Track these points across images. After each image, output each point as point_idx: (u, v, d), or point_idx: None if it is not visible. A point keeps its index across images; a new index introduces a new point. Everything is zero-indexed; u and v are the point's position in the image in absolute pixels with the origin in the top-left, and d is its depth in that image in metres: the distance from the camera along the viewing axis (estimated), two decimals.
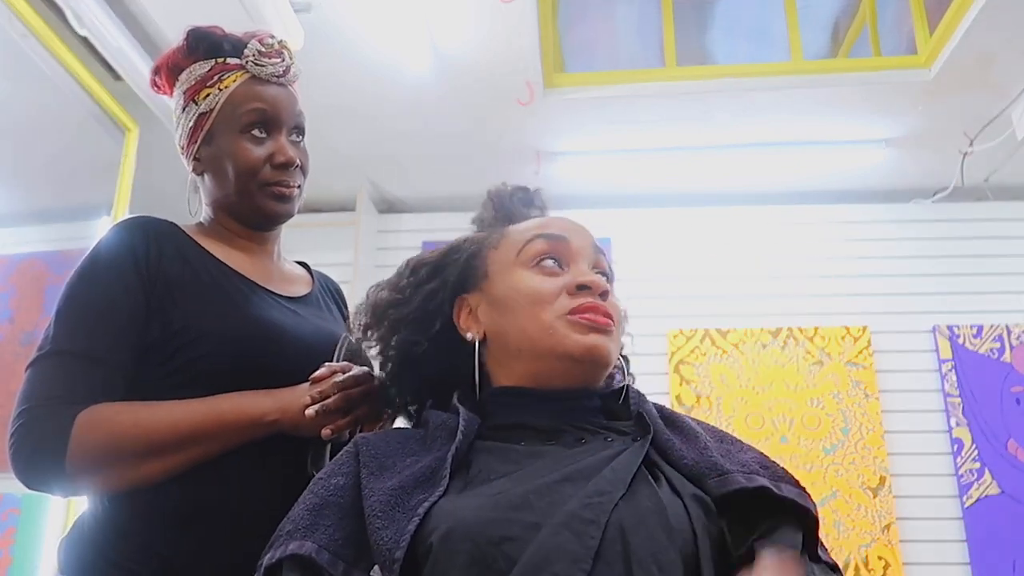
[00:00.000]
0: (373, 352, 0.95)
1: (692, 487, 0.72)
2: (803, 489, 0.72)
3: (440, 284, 0.91)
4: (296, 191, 1.08)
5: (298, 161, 1.07)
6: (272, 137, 1.06)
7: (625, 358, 0.95)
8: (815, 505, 0.72)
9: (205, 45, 1.06)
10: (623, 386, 0.88)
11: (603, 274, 0.88)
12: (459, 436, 0.77)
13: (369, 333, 0.94)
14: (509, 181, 1.02)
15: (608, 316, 0.83)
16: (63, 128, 2.37)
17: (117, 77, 2.39)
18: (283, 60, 1.08)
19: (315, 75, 2.65)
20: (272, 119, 1.06)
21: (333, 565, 0.70)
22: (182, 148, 1.10)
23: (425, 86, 2.82)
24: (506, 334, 0.85)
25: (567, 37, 3.27)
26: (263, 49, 1.06)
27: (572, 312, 0.81)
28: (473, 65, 2.75)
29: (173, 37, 1.10)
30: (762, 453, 0.78)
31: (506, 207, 0.98)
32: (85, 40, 2.20)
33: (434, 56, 2.67)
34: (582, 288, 0.83)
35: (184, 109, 1.07)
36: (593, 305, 0.82)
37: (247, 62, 1.05)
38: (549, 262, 0.86)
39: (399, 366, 0.93)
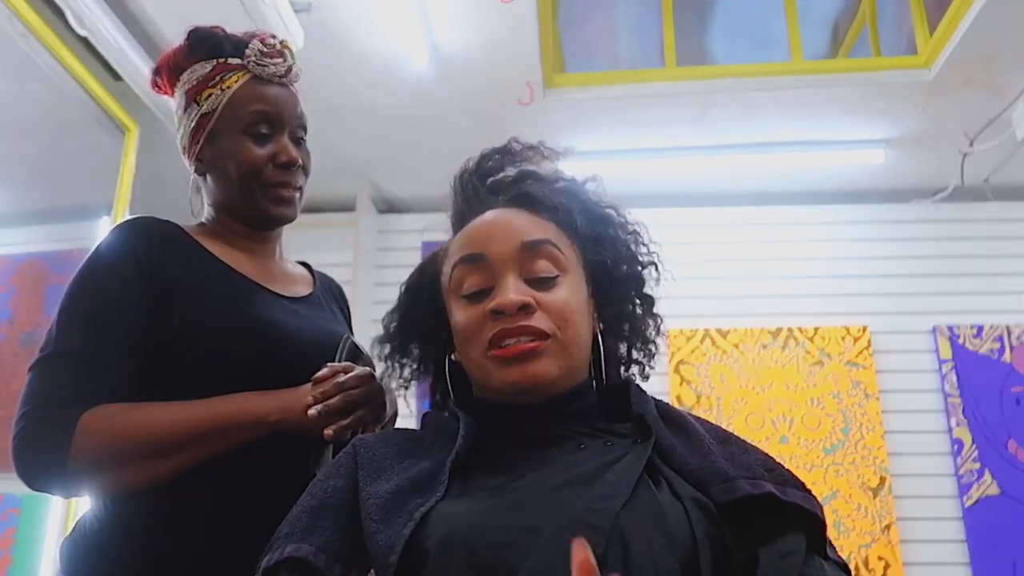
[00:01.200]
0: (398, 379, 0.96)
1: (693, 489, 0.71)
2: (809, 492, 0.72)
3: (423, 312, 0.91)
4: (297, 193, 1.08)
5: (300, 161, 1.07)
6: (274, 137, 1.06)
7: (623, 351, 0.92)
8: (821, 508, 0.71)
9: (206, 45, 1.06)
10: (623, 382, 0.87)
11: (543, 276, 0.81)
12: (459, 441, 0.77)
13: (390, 364, 0.95)
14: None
15: (530, 335, 0.78)
16: (63, 128, 2.37)
17: (117, 77, 2.39)
18: (285, 60, 1.08)
19: (315, 75, 2.66)
20: (274, 119, 1.06)
21: (330, 568, 0.69)
22: (184, 149, 1.09)
23: (425, 86, 2.82)
24: (464, 362, 0.86)
25: (567, 37, 3.27)
26: (265, 49, 1.06)
27: (490, 344, 0.78)
28: (473, 65, 2.75)
29: (173, 37, 1.10)
30: (767, 455, 0.76)
31: (459, 205, 0.93)
32: (85, 40, 2.20)
33: (434, 56, 2.67)
34: (497, 314, 0.78)
35: (186, 110, 1.07)
36: (504, 331, 0.78)
37: (249, 62, 1.05)
38: (473, 289, 0.82)
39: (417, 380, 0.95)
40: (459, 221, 0.91)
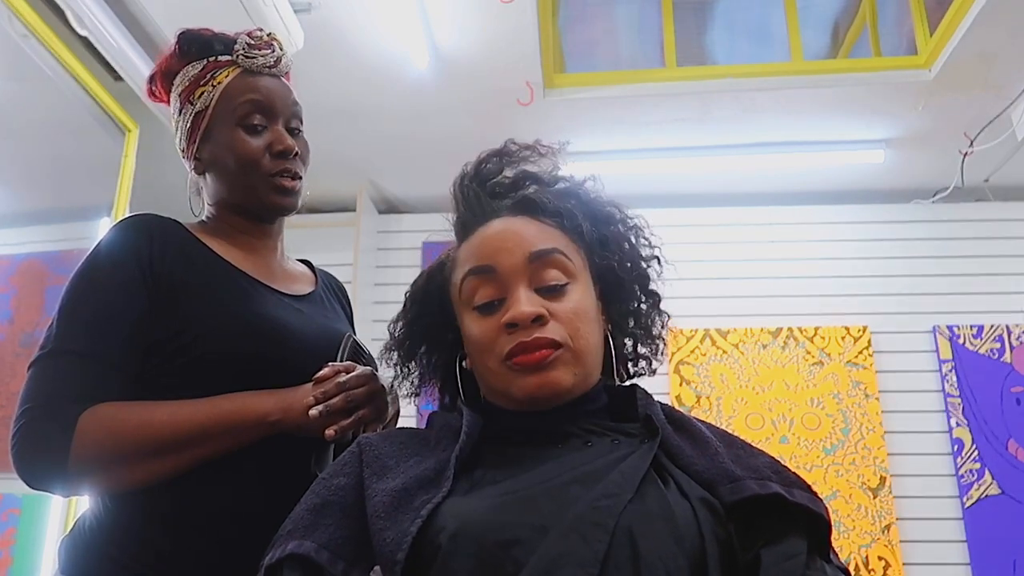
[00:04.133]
0: (408, 385, 0.97)
1: (701, 490, 0.72)
2: (815, 494, 0.72)
3: (432, 319, 0.92)
4: (298, 183, 1.08)
5: (297, 149, 1.07)
6: (269, 127, 1.06)
7: (637, 354, 0.93)
8: (827, 510, 0.72)
9: (196, 46, 1.07)
10: (630, 385, 0.87)
11: (552, 285, 0.82)
12: (463, 437, 0.77)
13: (400, 371, 0.96)
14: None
15: (545, 347, 0.78)
16: (63, 128, 2.37)
17: (117, 77, 2.39)
18: (273, 51, 1.08)
19: (315, 75, 2.67)
20: (268, 109, 1.06)
21: (333, 564, 0.69)
22: (183, 151, 1.10)
23: (425, 86, 2.82)
24: (477, 369, 0.86)
25: (567, 37, 3.27)
26: (252, 42, 1.07)
27: (508, 356, 0.79)
28: (473, 65, 2.75)
29: (173, 37, 1.10)
30: (772, 457, 0.77)
31: (462, 213, 0.92)
32: (85, 40, 2.20)
33: (434, 56, 2.67)
34: (511, 326, 0.79)
35: (181, 111, 1.07)
36: (521, 345, 0.78)
37: (237, 56, 1.06)
38: (485, 300, 0.82)
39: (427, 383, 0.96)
40: (463, 229, 0.91)
